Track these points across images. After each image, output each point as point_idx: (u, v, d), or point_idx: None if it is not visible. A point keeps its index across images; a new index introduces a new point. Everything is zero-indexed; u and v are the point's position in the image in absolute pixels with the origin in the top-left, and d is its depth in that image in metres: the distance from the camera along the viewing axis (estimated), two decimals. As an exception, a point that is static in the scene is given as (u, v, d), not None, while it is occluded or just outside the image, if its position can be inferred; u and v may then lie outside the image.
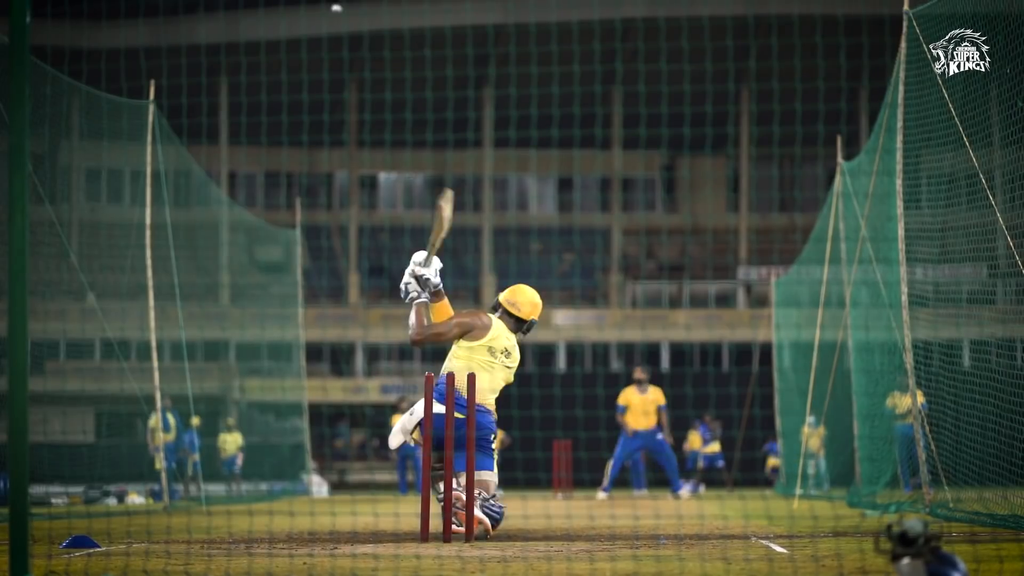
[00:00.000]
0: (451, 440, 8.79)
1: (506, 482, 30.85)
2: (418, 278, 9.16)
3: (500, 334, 9.27)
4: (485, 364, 9.20)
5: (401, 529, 10.22)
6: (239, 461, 26.48)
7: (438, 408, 9.01)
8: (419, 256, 9.20)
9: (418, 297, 9.16)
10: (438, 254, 9.24)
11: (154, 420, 25.10)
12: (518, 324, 9.40)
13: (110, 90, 16.77)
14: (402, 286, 9.25)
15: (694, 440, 30.55)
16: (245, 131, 44.78)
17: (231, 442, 26.50)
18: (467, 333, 9.20)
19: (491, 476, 9.15)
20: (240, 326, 30.78)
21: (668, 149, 48.64)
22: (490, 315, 9.38)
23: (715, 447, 30.32)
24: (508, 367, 9.30)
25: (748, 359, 39.98)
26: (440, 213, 9.13)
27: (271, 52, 40.26)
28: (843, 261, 18.09)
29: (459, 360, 9.19)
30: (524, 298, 9.44)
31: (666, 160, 49.91)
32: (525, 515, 13.53)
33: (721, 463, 30.34)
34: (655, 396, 21.00)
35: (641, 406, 20.90)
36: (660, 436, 20.93)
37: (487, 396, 9.18)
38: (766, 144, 47.58)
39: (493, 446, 9.24)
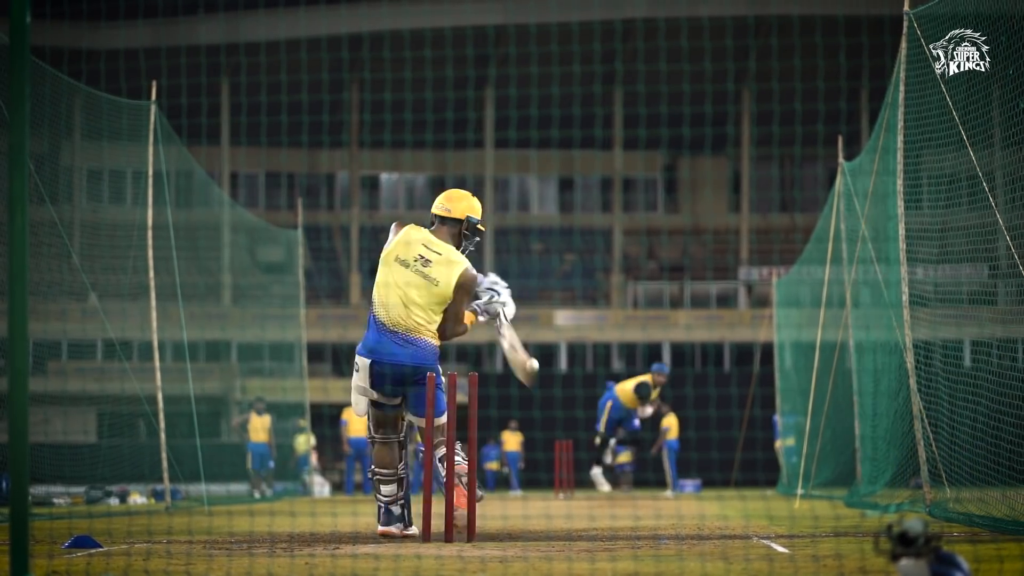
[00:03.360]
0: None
1: (508, 482, 30.82)
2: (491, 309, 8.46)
3: (411, 239, 8.28)
4: (402, 281, 8.21)
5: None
6: (313, 460, 26.73)
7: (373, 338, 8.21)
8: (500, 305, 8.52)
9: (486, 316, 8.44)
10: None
11: (253, 420, 25.56)
12: (454, 227, 8.37)
13: (110, 90, 16.77)
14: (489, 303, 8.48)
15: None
16: (246, 131, 44.79)
17: (303, 442, 26.67)
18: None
19: (442, 419, 8.34)
20: (241, 327, 30.78)
21: (669, 149, 48.65)
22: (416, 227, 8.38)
23: (791, 440, 25.16)
24: (430, 278, 8.18)
25: (749, 359, 40.02)
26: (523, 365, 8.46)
27: (271, 53, 40.27)
28: (844, 261, 18.09)
29: (378, 279, 8.27)
30: (448, 195, 8.45)
31: (667, 160, 49.92)
32: (526, 515, 13.53)
33: (795, 459, 24.92)
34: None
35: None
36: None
37: (411, 317, 8.19)
38: (766, 144, 47.60)
39: (441, 379, 8.25)
